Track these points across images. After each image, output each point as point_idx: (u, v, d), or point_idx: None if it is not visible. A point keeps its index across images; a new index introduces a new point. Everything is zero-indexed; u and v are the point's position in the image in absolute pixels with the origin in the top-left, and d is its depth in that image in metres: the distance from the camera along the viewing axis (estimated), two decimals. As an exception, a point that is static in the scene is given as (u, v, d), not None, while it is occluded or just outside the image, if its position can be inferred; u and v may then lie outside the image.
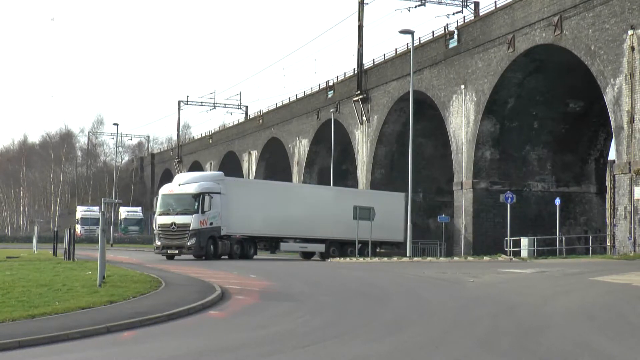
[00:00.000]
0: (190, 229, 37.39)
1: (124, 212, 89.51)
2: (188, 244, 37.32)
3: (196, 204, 37.73)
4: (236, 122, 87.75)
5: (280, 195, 43.21)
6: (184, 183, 39.22)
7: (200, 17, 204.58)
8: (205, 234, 37.77)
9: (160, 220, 38.59)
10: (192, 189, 38.28)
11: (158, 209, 39.01)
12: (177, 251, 37.90)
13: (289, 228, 41.91)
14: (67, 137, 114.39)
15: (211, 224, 38.05)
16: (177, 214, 38.01)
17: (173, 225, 37.74)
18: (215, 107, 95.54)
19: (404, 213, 44.58)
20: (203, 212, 37.66)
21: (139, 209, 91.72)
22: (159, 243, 38.48)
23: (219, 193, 38.63)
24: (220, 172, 46.11)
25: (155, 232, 39.50)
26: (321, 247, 43.08)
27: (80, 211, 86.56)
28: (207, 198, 37.81)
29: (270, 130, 73.78)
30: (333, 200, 44.79)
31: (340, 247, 43.77)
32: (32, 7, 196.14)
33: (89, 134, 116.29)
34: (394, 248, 47.76)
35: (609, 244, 37.56)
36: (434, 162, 53.25)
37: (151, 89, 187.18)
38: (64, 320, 13.22)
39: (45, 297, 16.53)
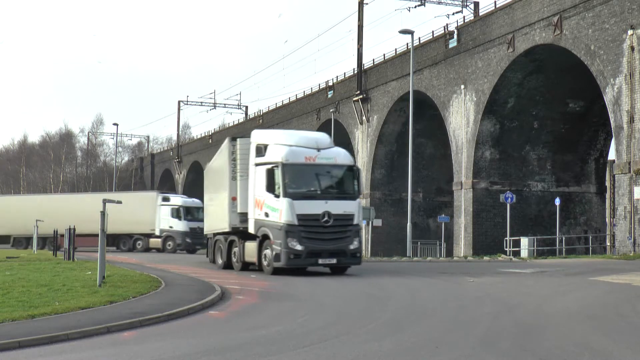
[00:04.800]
0: (354, 222, 24.22)
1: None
2: (351, 247, 24.04)
3: (355, 182, 24.64)
4: (236, 122, 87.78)
5: None
6: (325, 147, 24.66)
7: (200, 17, 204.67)
8: None
9: (302, 207, 23.44)
10: (344, 158, 24.85)
11: (288, 189, 23.53)
12: (334, 260, 24.01)
13: None
14: (67, 137, 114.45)
15: None
16: (331, 199, 23.90)
17: (326, 217, 23.49)
18: (215, 107, 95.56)
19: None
20: (358, 196, 24.97)
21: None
22: (300, 247, 23.36)
23: None
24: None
25: (282, 226, 23.53)
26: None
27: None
28: (360, 174, 25.57)
29: (270, 130, 73.85)
30: None
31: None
32: (32, 6, 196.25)
33: (88, 134, 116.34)
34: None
35: (608, 244, 37.62)
36: (434, 162, 53.31)
37: (151, 89, 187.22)
38: (64, 320, 13.21)
39: (45, 297, 16.53)
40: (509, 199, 39.55)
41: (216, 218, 29.82)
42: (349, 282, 22.17)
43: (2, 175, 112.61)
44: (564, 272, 25.11)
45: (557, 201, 39.70)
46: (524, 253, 38.54)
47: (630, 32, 32.14)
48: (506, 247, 38.99)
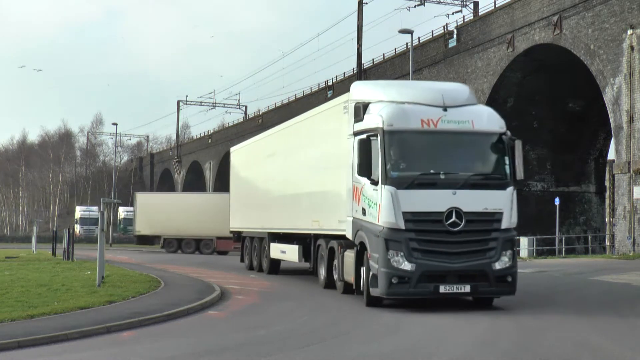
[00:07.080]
0: (502, 226, 15.20)
1: (122, 212, 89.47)
2: (497, 267, 15.00)
3: (506, 160, 15.54)
4: (235, 122, 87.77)
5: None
6: (456, 105, 15.68)
7: (200, 17, 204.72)
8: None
9: (414, 200, 14.90)
10: (488, 121, 15.76)
11: (391, 172, 14.97)
12: (467, 288, 14.97)
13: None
14: (66, 137, 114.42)
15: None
16: (463, 187, 15.04)
17: (453, 217, 14.82)
18: (214, 107, 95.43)
19: None
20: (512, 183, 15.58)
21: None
22: (408, 266, 14.64)
23: None
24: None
25: (380, 230, 14.98)
26: None
27: (80, 211, 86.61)
28: (517, 147, 15.70)
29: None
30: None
31: None
32: (32, 6, 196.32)
33: (88, 133, 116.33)
34: None
35: (608, 244, 37.57)
36: (433, 162, 53.20)
37: (151, 89, 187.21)
38: (64, 320, 13.19)
39: (44, 297, 16.53)
40: (509, 199, 39.47)
41: (300, 212, 21.47)
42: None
43: (2, 175, 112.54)
44: (564, 272, 25.11)
45: (557, 201, 39.67)
46: (523, 253, 38.49)
47: (630, 31, 32.12)
48: (506, 247, 38.90)
